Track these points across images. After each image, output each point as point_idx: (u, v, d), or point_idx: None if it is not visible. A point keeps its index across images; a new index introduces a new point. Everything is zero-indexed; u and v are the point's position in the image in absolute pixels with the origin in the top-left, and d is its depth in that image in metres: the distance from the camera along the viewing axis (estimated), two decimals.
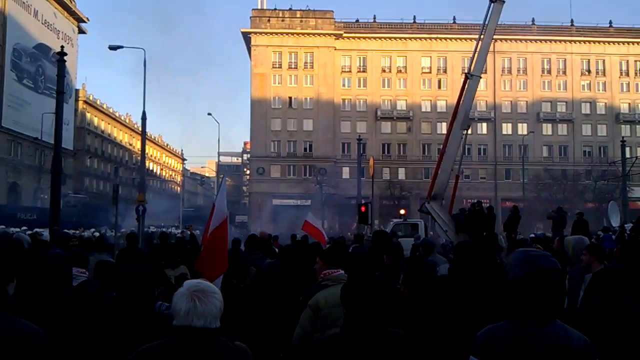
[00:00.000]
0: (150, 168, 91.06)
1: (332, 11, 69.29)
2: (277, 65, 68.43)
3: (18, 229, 20.95)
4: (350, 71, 69.70)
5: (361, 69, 69.82)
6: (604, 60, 70.56)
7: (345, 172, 65.95)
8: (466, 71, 19.54)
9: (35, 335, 2.54)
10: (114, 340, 3.53)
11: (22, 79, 58.24)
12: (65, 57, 18.46)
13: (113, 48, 28.62)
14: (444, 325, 4.30)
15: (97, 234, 23.58)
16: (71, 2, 68.71)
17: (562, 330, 2.59)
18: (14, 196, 53.69)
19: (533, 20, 71.19)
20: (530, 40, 69.40)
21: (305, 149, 67.98)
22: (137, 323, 3.67)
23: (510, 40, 67.94)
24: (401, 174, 66.86)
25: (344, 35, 68.67)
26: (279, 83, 68.26)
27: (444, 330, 4.29)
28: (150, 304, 3.94)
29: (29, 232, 20.39)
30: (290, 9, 69.36)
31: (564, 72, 70.60)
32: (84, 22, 72.97)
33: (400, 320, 4.20)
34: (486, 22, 18.82)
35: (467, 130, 19.07)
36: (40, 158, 53.03)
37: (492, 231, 17.38)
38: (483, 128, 68.83)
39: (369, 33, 69.69)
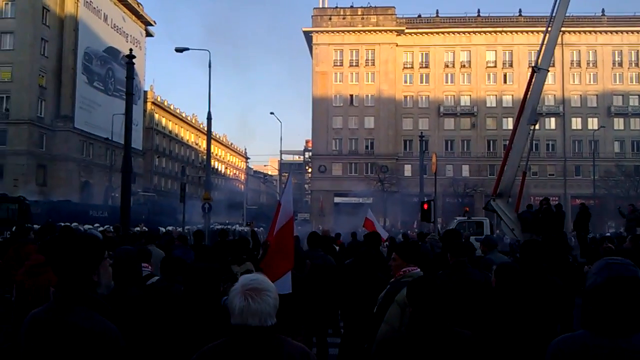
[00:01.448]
0: (215, 167, 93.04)
1: (394, 7, 68.73)
2: (339, 63, 68.50)
3: (90, 226, 21.81)
4: (412, 67, 68.98)
5: (423, 65, 68.97)
6: None
7: (407, 169, 65.38)
8: (533, 64, 18.99)
9: (109, 334, 2.56)
10: (182, 333, 3.62)
11: (93, 81, 60.60)
12: (133, 60, 19.06)
13: (179, 50, 29.35)
14: (510, 326, 4.21)
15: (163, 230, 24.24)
16: (139, 6, 71.02)
17: None
18: (86, 194, 55.85)
19: (603, 11, 68.42)
20: (600, 31, 66.67)
21: (366, 147, 67.78)
22: (205, 316, 3.78)
23: (579, 32, 65.56)
24: (465, 171, 65.67)
25: (406, 31, 67.99)
26: (340, 81, 68.33)
27: (509, 330, 4.20)
28: (217, 298, 4.04)
29: (100, 228, 21.26)
30: (351, 7, 69.28)
31: (637, 64, 67.48)
32: (151, 25, 75.26)
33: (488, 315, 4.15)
34: (554, 14, 18.23)
35: (534, 125, 18.55)
36: (110, 158, 54.93)
37: (561, 230, 16.84)
38: (551, 123, 66.69)
39: (431, 28, 68.70)
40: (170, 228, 25.86)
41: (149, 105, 75.60)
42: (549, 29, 18.33)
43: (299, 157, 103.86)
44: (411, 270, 4.67)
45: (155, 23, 75.47)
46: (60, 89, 56.42)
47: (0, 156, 47.27)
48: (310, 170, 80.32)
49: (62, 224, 17.36)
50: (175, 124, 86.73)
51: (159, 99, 79.88)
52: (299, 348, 2.54)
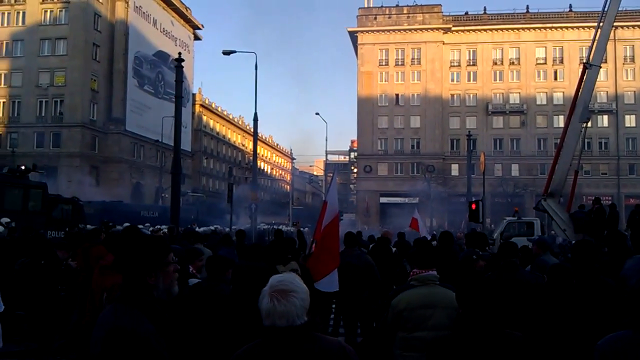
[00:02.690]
0: (262, 167, 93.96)
1: (440, 5, 68.05)
2: (384, 63, 68.20)
3: (142, 226, 22.29)
4: (459, 65, 68.09)
5: (471, 63, 67.99)
6: None
7: (455, 168, 64.59)
8: (584, 61, 18.47)
9: (151, 342, 2.54)
10: (228, 333, 3.65)
11: (143, 85, 62.04)
12: (182, 63, 19.43)
13: (227, 53, 29.76)
14: (561, 328, 4.10)
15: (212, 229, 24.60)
16: (187, 10, 72.34)
17: None
18: (138, 195, 57.14)
19: None
20: None
21: (412, 146, 67.25)
22: (251, 316, 3.81)
23: (633, 26, 63.40)
24: (514, 170, 64.41)
25: (453, 28, 67.17)
26: (385, 80, 68.01)
27: (560, 332, 4.09)
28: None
29: (151, 228, 21.73)
30: (397, 6, 68.92)
31: None
32: (199, 29, 76.55)
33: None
34: (606, 9, 17.69)
35: (586, 123, 18.04)
36: (161, 159, 56.04)
37: (615, 230, 16.31)
38: (604, 120, 64.70)
39: (479, 25, 67.69)
40: (213, 228, 26.22)
41: (197, 108, 76.89)
42: (601, 24, 17.82)
43: (345, 158, 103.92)
44: (420, 272, 4.55)
45: (203, 27, 76.76)
46: (111, 93, 57.99)
47: (54, 158, 48.90)
48: (355, 170, 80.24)
49: (116, 225, 17.83)
50: (223, 126, 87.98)
51: (207, 101, 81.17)
52: (335, 344, 2.54)
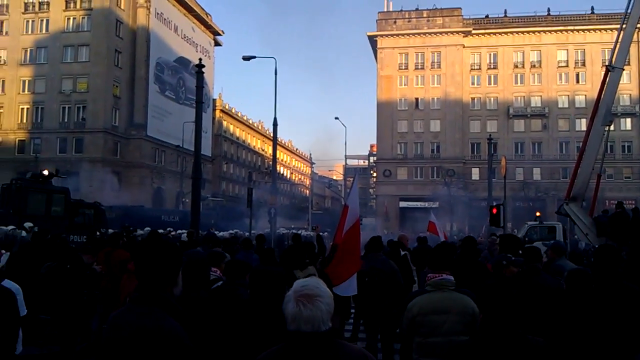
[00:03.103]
0: (281, 172, 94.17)
1: (460, 8, 67.74)
2: (404, 67, 68.03)
3: (162, 230, 22.47)
4: (479, 68, 67.67)
5: (491, 66, 67.53)
6: None
7: (475, 173, 64.10)
8: (607, 63, 18.24)
9: (174, 333, 2.59)
10: (246, 336, 3.65)
11: (165, 90, 62.65)
12: (203, 69, 19.57)
13: (246, 58, 29.89)
14: (583, 334, 4.03)
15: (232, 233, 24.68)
16: (207, 17, 72.93)
17: None
18: (159, 200, 57.62)
19: None
20: None
21: (432, 150, 66.92)
22: (269, 320, 3.81)
23: None
24: (536, 174, 63.74)
25: (473, 32, 66.80)
26: (405, 84, 67.81)
27: (582, 339, 4.02)
28: (281, 302, 4.06)
29: (172, 233, 21.90)
30: (416, 9, 68.74)
31: None
32: (219, 34, 77.10)
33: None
34: (629, 11, 17.46)
35: (609, 126, 17.79)
36: (181, 164, 56.48)
37: (638, 235, 16.04)
38: (627, 123, 63.75)
39: (499, 28, 67.24)
40: (232, 232, 26.30)
41: (218, 113, 77.38)
42: (624, 25, 17.56)
43: (364, 162, 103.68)
44: (435, 277, 4.52)
45: (223, 33, 77.26)
46: (133, 99, 58.64)
47: (77, 163, 49.50)
48: (375, 174, 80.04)
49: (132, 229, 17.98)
50: (243, 131, 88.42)
51: (227, 107, 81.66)
52: (357, 351, 2.51)
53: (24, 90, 56.94)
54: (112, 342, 2.63)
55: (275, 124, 28.99)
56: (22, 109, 56.81)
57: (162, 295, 2.67)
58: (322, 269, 7.19)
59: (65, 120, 55.67)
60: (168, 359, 2.55)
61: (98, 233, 19.59)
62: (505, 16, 68.34)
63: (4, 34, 57.66)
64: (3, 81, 57.11)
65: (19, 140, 55.99)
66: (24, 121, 56.61)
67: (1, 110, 56.95)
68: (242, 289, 4.60)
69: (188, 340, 2.65)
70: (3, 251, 9.38)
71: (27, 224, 15.16)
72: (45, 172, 21.41)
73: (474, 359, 2.94)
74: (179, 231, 24.14)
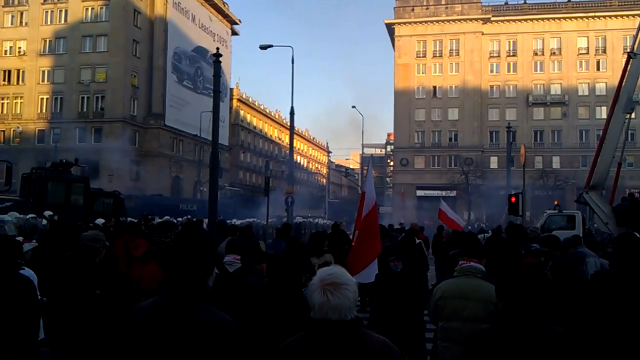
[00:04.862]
0: (298, 161, 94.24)
1: None
2: (421, 55, 67.52)
3: (181, 219, 22.63)
4: (498, 56, 66.92)
5: (510, 53, 66.75)
6: None
7: (493, 161, 63.60)
8: (629, 50, 17.94)
9: (231, 326, 2.56)
10: (259, 325, 3.65)
11: (182, 80, 62.85)
12: (220, 59, 19.59)
13: (264, 47, 29.87)
14: (602, 324, 3.99)
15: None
16: (224, 6, 72.91)
17: None
18: (177, 189, 58.01)
19: None
20: None
21: (450, 139, 66.49)
22: (286, 308, 3.82)
23: None
24: (555, 162, 63.07)
25: (492, 19, 66.03)
26: (422, 73, 67.34)
27: (601, 329, 3.98)
28: (298, 289, 4.07)
29: (180, 219, 22.01)
30: None
31: None
32: (237, 24, 77.07)
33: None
34: None
35: (630, 114, 17.55)
36: (199, 153, 56.76)
37: None
38: None
39: (519, 15, 66.37)
40: (251, 221, 26.41)
41: (235, 102, 77.52)
42: None
43: (381, 151, 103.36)
44: (465, 263, 4.55)
45: (240, 22, 77.23)
46: (151, 88, 58.96)
47: (96, 153, 49.93)
48: (392, 163, 79.78)
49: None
50: (260, 120, 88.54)
51: (244, 96, 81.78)
52: (380, 341, 2.50)
53: (43, 81, 57.48)
54: (158, 336, 2.50)
55: (292, 113, 29.00)
56: (42, 99, 57.40)
57: (204, 287, 2.61)
58: (339, 256, 7.19)
59: (84, 110, 56.15)
60: (229, 352, 2.49)
61: (115, 222, 19.70)
62: (525, 3, 67.44)
63: (23, 24, 58.17)
64: (23, 72, 57.68)
65: (38, 129, 56.63)
66: (44, 111, 57.22)
67: (21, 101, 57.62)
68: (253, 276, 4.61)
69: (242, 333, 2.61)
70: (25, 240, 9.48)
71: (47, 213, 15.32)
72: (65, 162, 21.60)
73: (493, 347, 2.92)
74: (186, 217, 24.25)
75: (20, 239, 5.36)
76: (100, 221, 14.08)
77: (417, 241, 10.63)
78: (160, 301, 2.60)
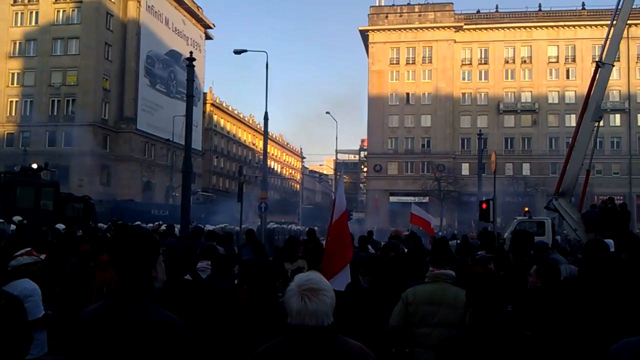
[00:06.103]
0: (272, 166, 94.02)
1: (452, 3, 67.79)
2: (395, 62, 68.07)
3: (152, 224, 22.37)
4: (470, 64, 67.82)
5: (482, 61, 67.71)
6: None
7: (465, 168, 64.35)
8: (597, 59, 18.29)
9: (177, 325, 2.59)
10: (232, 331, 3.64)
11: (155, 84, 62.26)
12: (193, 62, 19.45)
13: (238, 52, 29.74)
14: (571, 329, 4.06)
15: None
16: (198, 10, 72.54)
17: None
18: (148, 193, 57.37)
19: None
20: None
21: (423, 145, 67.09)
22: (262, 312, 3.80)
23: None
24: (525, 169, 64.09)
25: (464, 27, 66.94)
26: (396, 79, 67.89)
27: (570, 334, 4.05)
28: (273, 295, 4.06)
29: (150, 225, 21.80)
30: (408, 4, 68.76)
31: None
32: (211, 28, 76.70)
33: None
34: (619, 7, 17.52)
35: (598, 122, 17.86)
36: (171, 158, 56.24)
37: (626, 230, 16.17)
38: (616, 119, 64.20)
39: (491, 23, 67.44)
40: (223, 226, 26.26)
41: (208, 107, 77.08)
42: (614, 22, 17.62)
43: (355, 157, 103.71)
44: (435, 270, 4.59)
45: (214, 26, 76.91)
46: (123, 92, 58.25)
47: (66, 157, 49.15)
48: (365, 169, 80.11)
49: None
50: (233, 125, 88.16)
51: (217, 101, 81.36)
52: (357, 348, 2.51)
53: (12, 83, 56.42)
54: (100, 339, 2.54)
55: (266, 118, 28.90)
56: (11, 101, 56.34)
57: (148, 287, 2.65)
58: (313, 262, 7.18)
59: (55, 113, 55.25)
60: (176, 350, 2.54)
61: (87, 228, 19.44)
62: (497, 11, 68.54)
63: None
64: None
65: (7, 133, 55.50)
66: (13, 114, 56.14)
67: None
68: (223, 281, 4.61)
69: (187, 330, 2.64)
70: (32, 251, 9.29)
71: (16, 218, 15.03)
72: (34, 166, 21.23)
73: (463, 352, 2.95)
74: (158, 222, 23.99)
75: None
76: (60, 226, 13.89)
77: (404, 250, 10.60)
78: (105, 303, 2.65)
